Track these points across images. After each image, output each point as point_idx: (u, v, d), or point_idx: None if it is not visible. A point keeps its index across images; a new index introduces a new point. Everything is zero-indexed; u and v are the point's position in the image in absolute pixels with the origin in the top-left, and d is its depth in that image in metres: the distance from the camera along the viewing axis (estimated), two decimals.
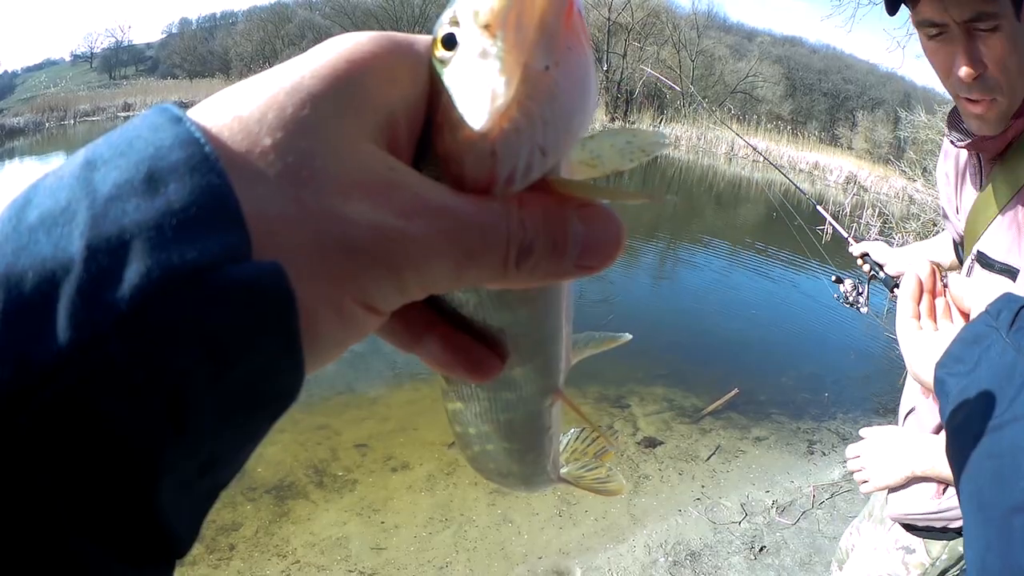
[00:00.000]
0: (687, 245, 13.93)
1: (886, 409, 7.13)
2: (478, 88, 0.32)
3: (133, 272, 0.25)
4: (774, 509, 4.87)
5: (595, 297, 9.17)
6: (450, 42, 0.33)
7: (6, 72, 39.68)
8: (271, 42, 37.02)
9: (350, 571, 3.68)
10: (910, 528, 2.14)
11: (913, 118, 17.12)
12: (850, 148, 39.88)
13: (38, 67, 43.24)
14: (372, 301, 0.32)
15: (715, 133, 32.94)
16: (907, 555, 2.21)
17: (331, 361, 0.34)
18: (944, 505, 1.95)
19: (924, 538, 2.11)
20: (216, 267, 0.26)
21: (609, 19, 34.58)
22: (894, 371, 8.50)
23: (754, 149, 6.54)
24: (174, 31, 46.02)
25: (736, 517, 4.71)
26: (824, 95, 44.96)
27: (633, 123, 32.12)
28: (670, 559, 4.15)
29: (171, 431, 0.26)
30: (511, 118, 0.31)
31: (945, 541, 2.06)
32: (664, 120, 33.55)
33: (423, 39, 0.35)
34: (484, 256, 0.32)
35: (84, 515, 0.25)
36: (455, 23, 0.33)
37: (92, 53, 45.02)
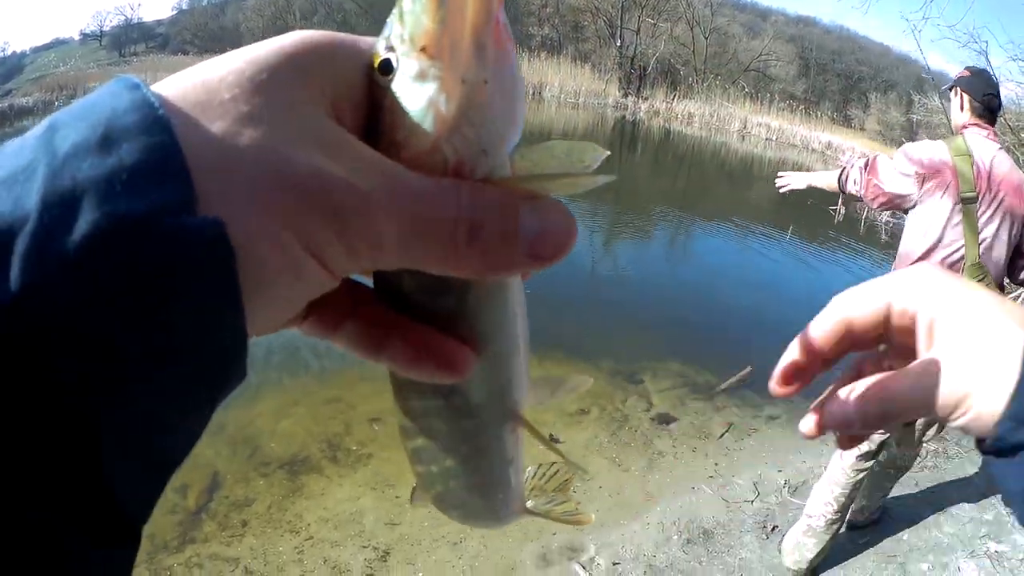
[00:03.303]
0: (700, 222, 13.92)
1: None
2: (422, 106, 0.34)
3: (83, 222, 0.26)
4: (786, 489, 4.87)
5: (608, 274, 9.20)
6: (387, 68, 0.35)
7: (15, 52, 39.45)
8: (283, 16, 36.83)
9: (364, 547, 3.68)
10: None
11: (927, 102, 17.05)
12: (862, 129, 39.80)
13: (47, 47, 42.82)
14: (322, 253, 0.32)
15: (728, 111, 32.86)
16: None
17: (286, 318, 0.36)
18: None
19: None
20: (159, 217, 0.27)
21: None
22: None
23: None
24: (184, 7, 45.84)
25: (749, 496, 4.71)
26: (837, 76, 44.80)
27: (646, 99, 31.95)
28: (683, 537, 4.15)
29: (110, 381, 0.27)
30: (456, 129, 0.34)
31: None
32: (677, 96, 33.38)
33: (367, 40, 0.38)
34: (432, 224, 0.34)
35: (33, 477, 0.26)
36: (391, 49, 0.35)
37: (102, 31, 44.59)
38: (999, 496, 5.16)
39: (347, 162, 0.33)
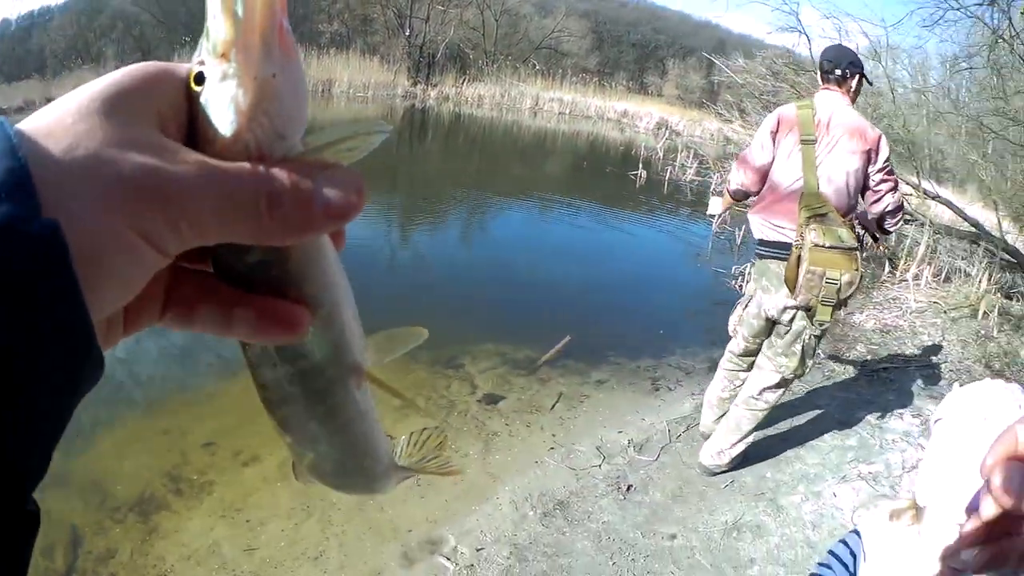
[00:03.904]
0: (498, 200, 14.03)
1: (722, 342, 7.32)
2: (226, 102, 0.39)
3: None
4: (631, 448, 4.92)
5: (411, 264, 9.14)
6: (200, 78, 0.40)
7: None
8: (83, 35, 35.14)
9: None
10: None
11: (731, 63, 17.93)
12: (660, 95, 41.23)
13: None
14: (152, 235, 0.37)
15: (519, 89, 33.34)
16: None
17: (130, 295, 0.38)
18: None
19: None
20: (11, 226, 0.32)
21: None
22: (723, 303, 8.77)
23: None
24: None
25: (595, 461, 4.72)
26: (633, 46, 46.29)
27: (436, 85, 32.13)
28: (539, 511, 4.12)
29: None
30: (254, 118, 0.39)
31: None
32: (467, 80, 33.62)
33: (185, 66, 0.42)
34: (239, 199, 0.38)
35: None
36: (202, 63, 0.40)
37: None
38: (859, 421, 5.51)
39: (168, 159, 0.37)
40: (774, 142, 4.11)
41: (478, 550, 3.75)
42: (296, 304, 0.44)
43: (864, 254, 4.18)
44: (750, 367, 4.56)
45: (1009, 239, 10.98)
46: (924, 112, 13.29)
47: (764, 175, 4.21)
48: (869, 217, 4.23)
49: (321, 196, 0.39)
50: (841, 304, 3.95)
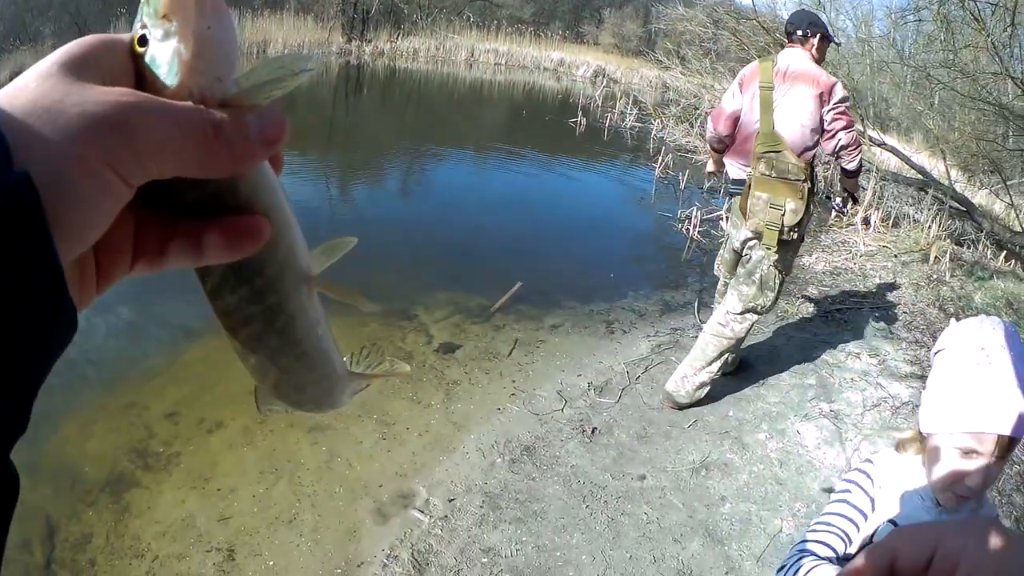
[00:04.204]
0: (436, 152, 13.82)
1: (673, 284, 7.35)
2: (170, 56, 0.44)
3: None
4: (592, 391, 4.93)
5: (354, 218, 9.03)
6: (143, 40, 0.45)
7: None
8: (21, 15, 34.13)
9: (207, 551, 3.42)
10: None
11: (669, 12, 17.98)
12: (596, 44, 41.11)
13: None
14: (117, 164, 0.40)
15: (454, 41, 33.05)
16: None
17: (101, 228, 0.42)
18: None
19: None
20: None
21: None
22: (670, 247, 8.80)
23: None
24: None
25: (557, 405, 4.72)
26: None
27: (370, 41, 31.71)
28: (507, 458, 4.11)
29: None
30: (195, 68, 0.44)
31: None
32: (402, 35, 33.22)
33: (126, 36, 0.47)
34: (189, 129, 0.42)
35: None
36: (144, 27, 0.45)
37: None
38: (816, 360, 5.58)
39: (129, 94, 0.41)
40: (742, 91, 4.62)
41: (450, 500, 3.73)
42: (253, 216, 0.49)
43: (818, 195, 4.65)
44: None
45: (958, 188, 11.18)
46: (868, 62, 13.42)
47: (735, 121, 4.67)
48: (827, 158, 4.70)
49: (254, 128, 0.44)
50: (791, 232, 4.27)
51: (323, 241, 0.58)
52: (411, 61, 30.86)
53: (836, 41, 5.12)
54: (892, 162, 13.11)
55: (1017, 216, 11.83)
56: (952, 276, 7.98)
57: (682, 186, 11.58)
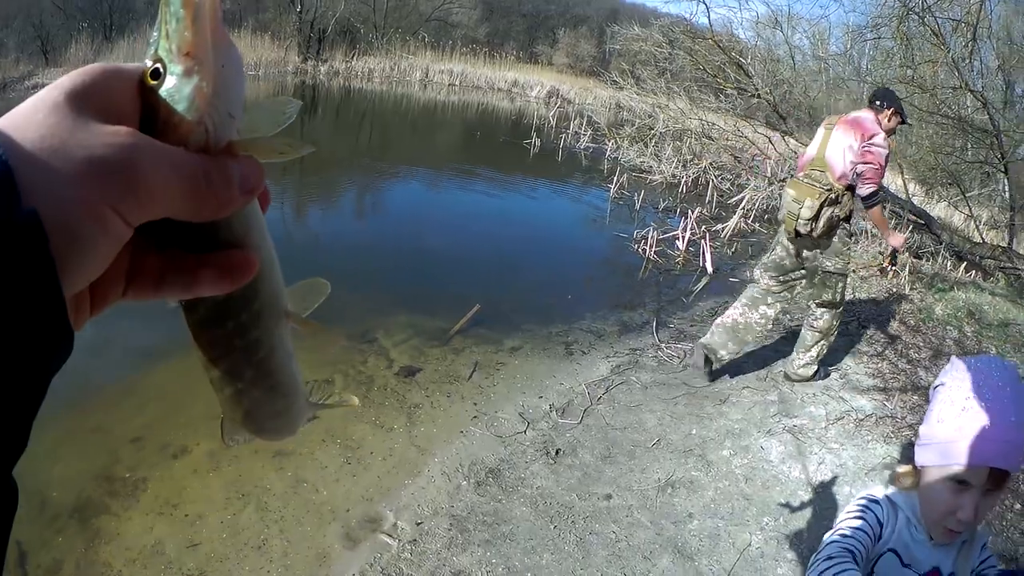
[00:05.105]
0: (391, 175, 13.83)
1: (630, 304, 7.40)
2: (190, 92, 0.47)
3: None
4: (554, 412, 4.96)
5: (309, 242, 8.96)
6: (157, 74, 0.47)
7: None
8: None
9: None
10: None
11: (624, 32, 18.14)
12: (550, 64, 41.33)
13: None
14: (121, 209, 0.42)
15: (409, 62, 33.07)
16: None
17: (102, 267, 0.44)
18: None
19: None
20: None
21: None
22: (627, 267, 8.86)
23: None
24: None
25: (520, 427, 4.74)
26: (523, 16, 46.03)
27: (326, 61, 31.61)
28: (472, 480, 4.11)
29: None
30: (213, 104, 0.47)
31: None
32: (357, 55, 33.16)
33: (134, 67, 0.49)
34: (185, 175, 0.45)
35: None
36: (158, 60, 0.47)
37: None
38: (777, 376, 5.70)
39: (131, 136, 0.44)
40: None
41: (418, 524, 3.72)
42: (243, 252, 0.52)
43: (835, 208, 5.22)
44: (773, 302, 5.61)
45: (916, 201, 11.37)
46: (824, 79, 13.65)
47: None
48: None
49: (236, 178, 0.48)
50: (806, 224, 5.18)
51: (282, 264, 0.59)
52: (366, 81, 30.85)
53: (908, 123, 6.03)
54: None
55: (977, 227, 12.11)
56: (912, 289, 8.15)
57: (637, 206, 11.70)
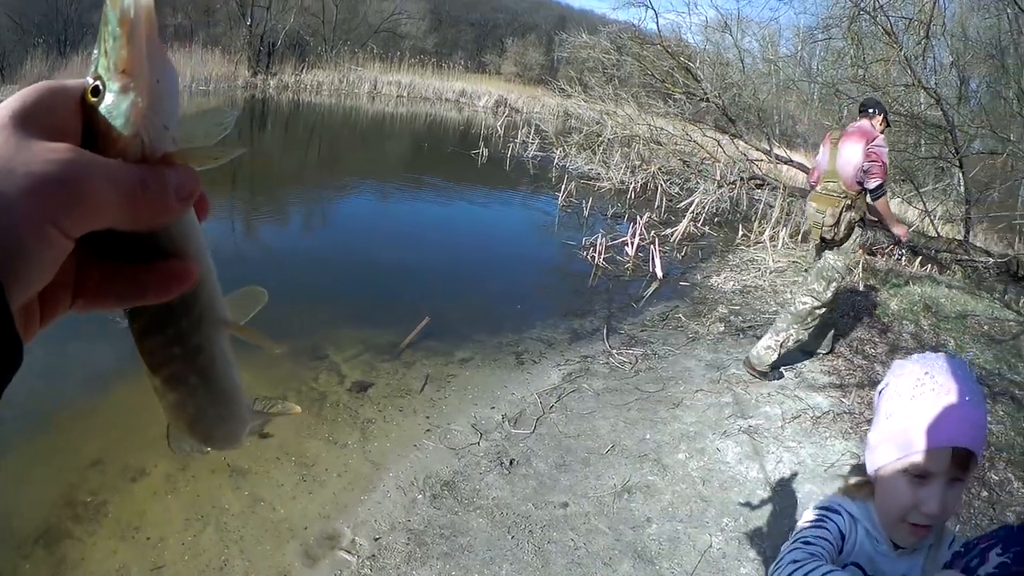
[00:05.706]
0: (338, 187, 13.84)
1: (580, 312, 7.43)
2: (127, 108, 0.50)
3: None
4: (507, 423, 4.99)
5: (256, 257, 8.88)
6: (96, 91, 0.50)
7: None
8: None
9: None
10: None
11: (573, 39, 18.23)
12: (499, 73, 41.39)
13: None
14: (61, 222, 0.44)
15: (357, 74, 32.97)
16: None
17: (44, 280, 0.46)
18: None
19: None
20: None
21: None
22: (576, 274, 8.90)
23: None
24: None
25: (473, 439, 4.76)
26: (472, 25, 46.09)
27: (275, 74, 31.41)
28: (428, 494, 4.12)
29: None
30: (148, 117, 0.50)
31: None
32: (306, 68, 32.99)
33: (77, 83, 0.52)
34: (122, 186, 0.47)
35: None
36: (97, 78, 0.50)
37: None
38: (730, 378, 5.77)
39: (71, 155, 0.46)
40: (822, 147, 6.16)
41: (376, 539, 3.72)
42: (184, 262, 0.54)
43: (852, 212, 5.84)
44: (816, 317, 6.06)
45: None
46: (774, 81, 13.81)
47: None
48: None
49: (172, 186, 0.50)
50: (830, 231, 5.85)
51: (228, 280, 0.61)
52: (315, 95, 30.70)
53: (891, 126, 7.21)
54: (800, 178, 13.50)
55: (932, 222, 12.34)
56: (866, 285, 8.32)
57: (586, 213, 11.77)
